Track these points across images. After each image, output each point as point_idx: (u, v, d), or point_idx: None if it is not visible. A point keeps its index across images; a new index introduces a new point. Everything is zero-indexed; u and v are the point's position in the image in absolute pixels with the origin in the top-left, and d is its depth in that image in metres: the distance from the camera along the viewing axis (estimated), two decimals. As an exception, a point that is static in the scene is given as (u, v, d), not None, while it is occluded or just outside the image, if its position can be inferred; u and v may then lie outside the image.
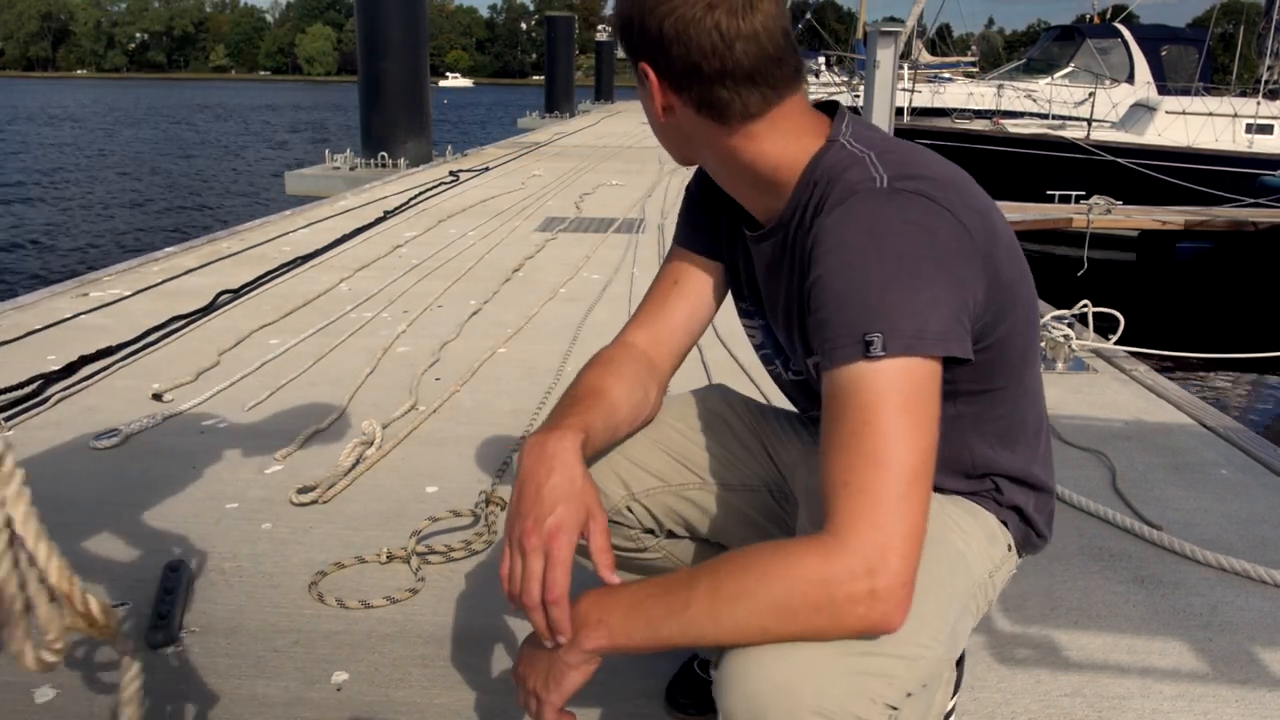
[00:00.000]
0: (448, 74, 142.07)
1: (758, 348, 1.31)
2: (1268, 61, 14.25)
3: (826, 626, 0.86)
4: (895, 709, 0.88)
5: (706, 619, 0.88)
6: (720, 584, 0.88)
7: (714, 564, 0.91)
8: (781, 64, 1.02)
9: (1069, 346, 3.42)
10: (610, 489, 1.27)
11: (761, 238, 1.14)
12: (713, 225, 1.26)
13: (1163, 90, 15.69)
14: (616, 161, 11.18)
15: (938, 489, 1.05)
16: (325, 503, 2.26)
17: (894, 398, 0.89)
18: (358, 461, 2.47)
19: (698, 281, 1.27)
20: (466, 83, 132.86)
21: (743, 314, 1.30)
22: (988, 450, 1.13)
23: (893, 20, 8.51)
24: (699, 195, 1.28)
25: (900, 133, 11.47)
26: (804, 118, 1.08)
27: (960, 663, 1.20)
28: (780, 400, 1.39)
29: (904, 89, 14.39)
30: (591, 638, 0.93)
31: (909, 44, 16.72)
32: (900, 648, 0.88)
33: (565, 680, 0.95)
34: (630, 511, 1.29)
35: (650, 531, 1.33)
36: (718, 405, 1.36)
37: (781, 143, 1.06)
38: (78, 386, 3.04)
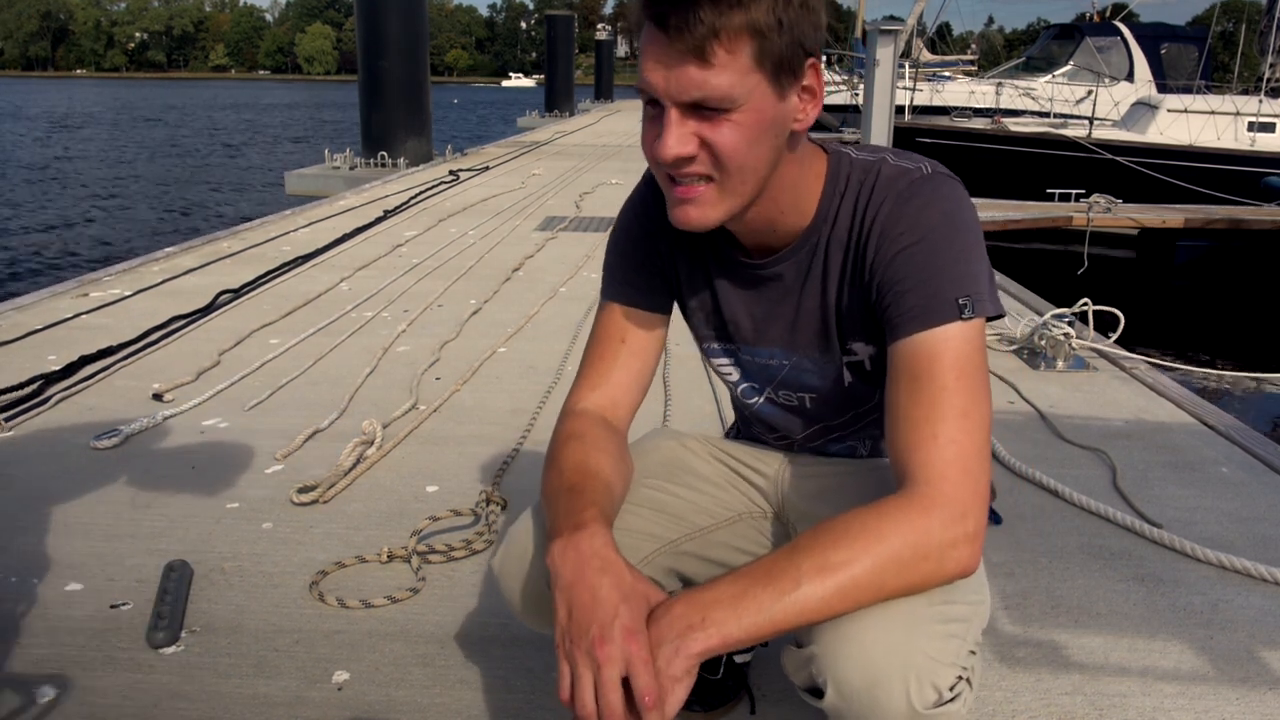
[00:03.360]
0: (511, 74, 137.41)
1: (735, 385, 1.29)
2: (1269, 59, 14.22)
3: (933, 574, 0.91)
4: (974, 653, 0.95)
5: (821, 591, 0.88)
6: (827, 556, 0.89)
7: (806, 543, 0.91)
8: None
9: (1069, 345, 3.42)
10: None
11: (781, 258, 1.12)
12: (655, 277, 1.22)
13: (1162, 89, 15.67)
14: (616, 160, 11.18)
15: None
16: (326, 502, 2.26)
17: (976, 356, 0.99)
18: (358, 461, 2.47)
19: (644, 337, 1.22)
20: (530, 83, 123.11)
21: (712, 355, 1.27)
22: None
23: (893, 19, 8.51)
24: (632, 248, 1.23)
25: (900, 131, 11.46)
26: None
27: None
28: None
29: (904, 87, 14.38)
30: (699, 640, 0.88)
31: (909, 43, 16.69)
32: (967, 594, 0.96)
33: (673, 697, 0.88)
34: None
35: None
36: (673, 450, 1.33)
37: (813, 151, 1.09)
38: (78, 386, 3.04)
